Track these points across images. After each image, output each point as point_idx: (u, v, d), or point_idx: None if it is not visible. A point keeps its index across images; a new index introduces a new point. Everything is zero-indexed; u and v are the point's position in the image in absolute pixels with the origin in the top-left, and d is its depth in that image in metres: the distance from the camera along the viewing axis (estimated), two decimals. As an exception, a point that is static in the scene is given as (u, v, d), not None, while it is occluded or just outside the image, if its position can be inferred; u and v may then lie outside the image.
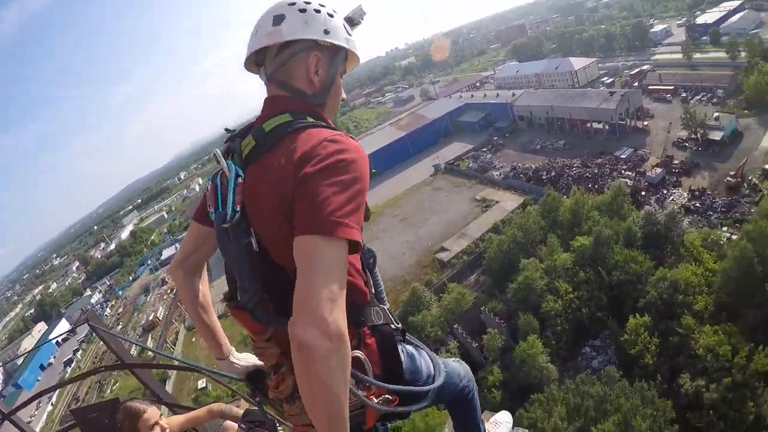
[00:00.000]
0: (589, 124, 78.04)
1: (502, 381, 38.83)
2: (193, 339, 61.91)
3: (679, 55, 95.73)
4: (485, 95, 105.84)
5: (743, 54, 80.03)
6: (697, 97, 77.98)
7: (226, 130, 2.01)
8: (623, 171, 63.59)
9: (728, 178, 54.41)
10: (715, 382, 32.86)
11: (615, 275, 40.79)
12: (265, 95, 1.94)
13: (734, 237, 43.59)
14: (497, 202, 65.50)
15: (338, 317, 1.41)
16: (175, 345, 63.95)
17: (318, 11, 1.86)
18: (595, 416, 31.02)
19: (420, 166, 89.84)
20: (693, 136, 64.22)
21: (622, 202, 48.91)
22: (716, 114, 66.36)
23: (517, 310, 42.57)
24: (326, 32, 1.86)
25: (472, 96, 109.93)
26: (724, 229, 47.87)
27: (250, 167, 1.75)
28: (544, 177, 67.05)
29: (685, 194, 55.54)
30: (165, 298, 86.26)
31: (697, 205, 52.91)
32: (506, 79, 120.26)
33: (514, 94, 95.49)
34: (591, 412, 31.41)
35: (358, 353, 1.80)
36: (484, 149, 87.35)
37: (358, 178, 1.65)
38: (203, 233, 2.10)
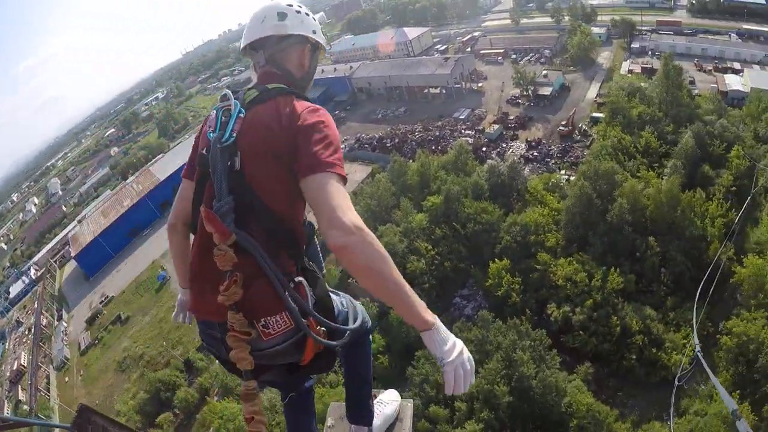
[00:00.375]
0: (426, 90, 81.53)
1: (385, 345, 39.71)
2: (66, 379, 55.32)
3: (508, 21, 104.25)
4: (323, 70, 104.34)
5: (567, 18, 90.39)
6: (526, 58, 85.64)
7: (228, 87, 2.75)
8: (463, 131, 67.45)
9: (560, 128, 60.98)
10: (579, 306, 36.96)
11: (470, 227, 43.29)
12: (258, 72, 2.52)
13: (572, 178, 48.93)
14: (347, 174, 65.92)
15: (356, 217, 1.97)
16: (49, 391, 55.91)
17: (308, 14, 2.53)
18: (479, 359, 32.95)
19: None
20: (525, 93, 70.54)
21: (466, 159, 51.92)
22: (545, 72, 74.78)
23: (385, 277, 43.48)
24: (314, 32, 2.55)
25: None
26: (562, 172, 53.67)
27: (249, 110, 2.17)
28: (388, 144, 68.41)
29: (523, 146, 60.78)
30: (25, 341, 74.49)
31: (535, 154, 58.36)
32: (343, 53, 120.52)
33: (351, 67, 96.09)
34: (474, 356, 33.11)
35: (301, 278, 2.20)
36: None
37: (336, 136, 2.19)
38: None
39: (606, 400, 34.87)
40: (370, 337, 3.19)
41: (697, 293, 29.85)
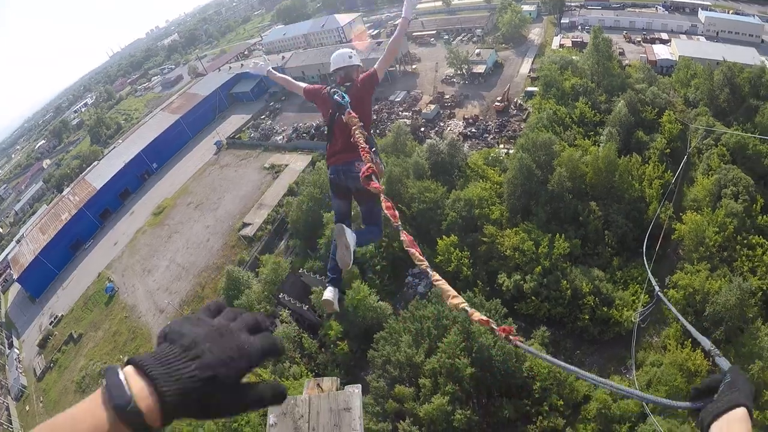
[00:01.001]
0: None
1: (343, 331, 38.94)
2: (27, 408, 51.51)
3: (439, 3, 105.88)
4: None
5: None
6: (459, 38, 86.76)
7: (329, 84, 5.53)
8: (401, 112, 67.55)
9: (496, 103, 61.94)
10: (529, 274, 37.40)
11: (414, 206, 42.94)
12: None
13: (511, 151, 49.44)
14: (286, 165, 64.47)
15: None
16: (11, 423, 51.37)
17: (355, 55, 5.73)
18: (437, 334, 32.87)
19: (202, 146, 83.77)
20: (459, 72, 71.03)
21: (405, 140, 51.47)
22: (477, 51, 75.39)
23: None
24: (360, 62, 5.73)
25: (242, 66, 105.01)
26: (501, 146, 54.46)
27: (348, 91, 5.17)
28: (326, 132, 67.03)
29: (461, 123, 61.51)
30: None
31: (473, 130, 59.19)
32: (274, 43, 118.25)
33: (284, 57, 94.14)
34: (433, 331, 33.05)
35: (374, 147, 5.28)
36: (263, 116, 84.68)
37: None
38: (318, 100, 5.59)
39: (565, 360, 34.82)
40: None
41: (644, 244, 30.30)
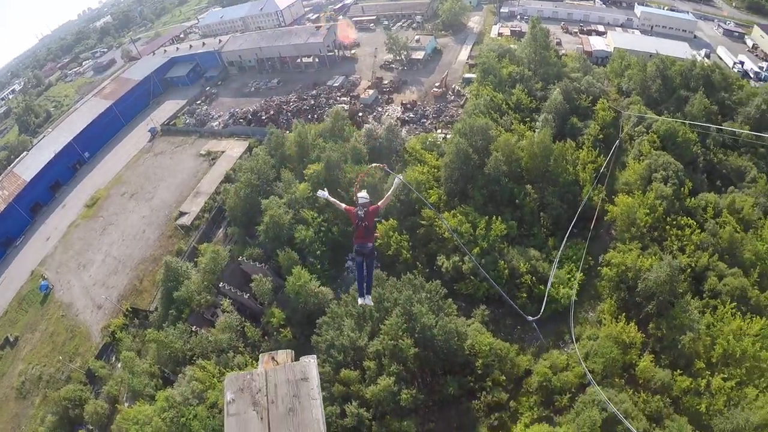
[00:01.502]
0: (299, 60, 79.61)
1: (286, 318, 38.47)
2: None
3: None
4: (191, 46, 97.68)
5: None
6: (399, 24, 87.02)
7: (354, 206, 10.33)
8: (339, 97, 66.83)
9: (434, 89, 62.73)
10: (467, 255, 37.55)
11: (352, 191, 42.38)
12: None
13: (448, 136, 49.84)
14: (223, 151, 62.45)
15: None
16: None
17: (368, 197, 10.84)
18: (379, 316, 33.08)
19: (135, 133, 79.49)
20: (398, 57, 71.32)
21: (343, 125, 51.07)
22: (417, 37, 75.85)
23: (274, 249, 41.75)
24: (370, 200, 10.81)
25: (177, 49, 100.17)
26: (438, 131, 55.04)
27: (364, 209, 10.12)
28: (263, 117, 66.08)
29: (399, 108, 61.78)
30: None
31: (411, 115, 59.57)
32: (211, 26, 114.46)
33: (220, 41, 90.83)
34: (375, 314, 33.12)
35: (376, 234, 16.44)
36: (199, 102, 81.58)
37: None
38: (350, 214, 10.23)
39: (505, 337, 36.83)
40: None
41: (571, 225, 31.39)
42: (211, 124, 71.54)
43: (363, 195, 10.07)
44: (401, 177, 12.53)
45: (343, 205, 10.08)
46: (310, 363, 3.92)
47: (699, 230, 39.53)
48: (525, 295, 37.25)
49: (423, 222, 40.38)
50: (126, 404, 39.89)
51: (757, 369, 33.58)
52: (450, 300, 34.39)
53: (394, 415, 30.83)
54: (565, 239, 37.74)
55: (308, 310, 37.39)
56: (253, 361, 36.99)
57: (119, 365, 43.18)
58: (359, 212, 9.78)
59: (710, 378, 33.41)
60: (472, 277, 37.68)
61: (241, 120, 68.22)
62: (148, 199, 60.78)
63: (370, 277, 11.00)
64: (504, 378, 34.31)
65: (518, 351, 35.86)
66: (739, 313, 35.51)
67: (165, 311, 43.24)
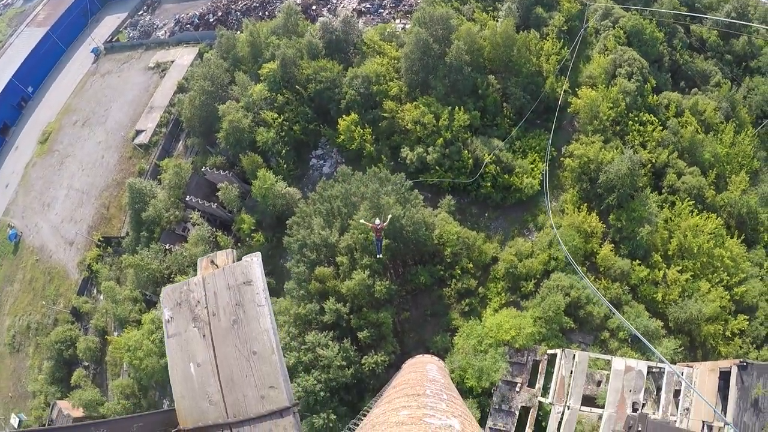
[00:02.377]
0: (244, -44, 73.47)
1: (256, 222, 38.60)
2: None
3: None
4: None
5: None
6: None
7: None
8: None
9: None
10: (431, 146, 37.72)
11: (311, 87, 41.19)
12: None
13: (407, 26, 47.71)
14: (173, 61, 58.99)
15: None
16: None
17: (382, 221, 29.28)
18: (348, 211, 33.06)
19: (78, 57, 73.26)
20: None
21: (296, 20, 48.03)
22: None
23: (236, 155, 40.95)
24: (384, 223, 29.47)
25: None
26: (397, 21, 52.56)
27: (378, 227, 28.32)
28: (212, 20, 61.88)
29: None
30: None
31: (368, 6, 56.29)
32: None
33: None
34: (343, 209, 33.17)
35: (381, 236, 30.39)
36: (141, 12, 75.30)
37: None
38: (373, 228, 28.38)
39: (472, 226, 37.81)
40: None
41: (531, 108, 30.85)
42: (156, 34, 66.80)
43: (377, 221, 27.94)
44: (392, 213, 29.99)
45: (370, 224, 27.63)
46: (253, 262, 3.41)
47: (661, 128, 40.04)
48: (489, 184, 37.75)
49: (385, 114, 39.64)
50: (115, 333, 40.79)
51: (710, 265, 35.77)
52: (416, 191, 34.58)
53: (370, 307, 31.97)
54: (520, 124, 37.68)
55: (277, 212, 37.36)
56: (230, 271, 37.37)
57: (101, 297, 43.54)
58: (377, 227, 27.70)
59: (666, 270, 35.54)
60: (437, 168, 37.79)
61: (189, 25, 63.88)
62: (101, 123, 58.03)
63: (380, 245, 29.55)
64: (472, 266, 35.64)
65: (485, 239, 37.04)
66: (695, 210, 37.16)
67: (136, 234, 42.74)
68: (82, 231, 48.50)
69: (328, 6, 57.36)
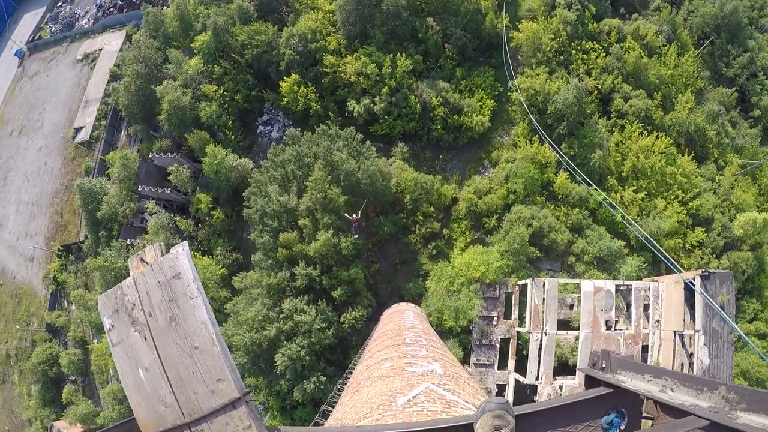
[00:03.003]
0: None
1: (213, 200, 38.17)
2: None
3: None
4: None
5: None
6: None
7: None
8: None
9: None
10: (377, 96, 37.35)
11: (248, 53, 39.93)
12: None
13: (342, -23, 46.49)
14: (101, 49, 56.41)
15: None
16: None
17: None
18: (303, 173, 32.60)
19: (1, 63, 69.75)
20: None
21: (224, -15, 46.33)
22: None
23: (182, 135, 39.85)
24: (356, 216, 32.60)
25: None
26: None
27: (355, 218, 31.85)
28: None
29: None
30: None
31: None
32: None
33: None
34: (297, 172, 32.68)
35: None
36: (60, 3, 71.29)
37: None
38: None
39: (428, 170, 38.03)
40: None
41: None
42: (80, 23, 63.41)
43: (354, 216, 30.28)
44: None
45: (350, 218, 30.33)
46: (179, 253, 3.18)
47: (604, 54, 40.53)
48: (440, 126, 37.78)
49: (327, 70, 38.92)
50: (95, 341, 40.37)
51: (664, 183, 37.16)
52: (368, 143, 34.31)
53: (339, 265, 31.94)
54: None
55: (232, 185, 36.80)
56: (197, 254, 36.84)
57: (73, 307, 42.56)
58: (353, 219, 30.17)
59: (622, 191, 36.72)
60: (386, 117, 37.59)
61: (112, 9, 60.65)
62: (38, 129, 55.60)
63: (357, 229, 31.62)
64: (433, 209, 36.09)
65: (442, 181, 37.39)
66: (645, 132, 38.22)
67: (95, 236, 41.80)
68: (40, 244, 47.06)
69: (256, -34, 55.28)
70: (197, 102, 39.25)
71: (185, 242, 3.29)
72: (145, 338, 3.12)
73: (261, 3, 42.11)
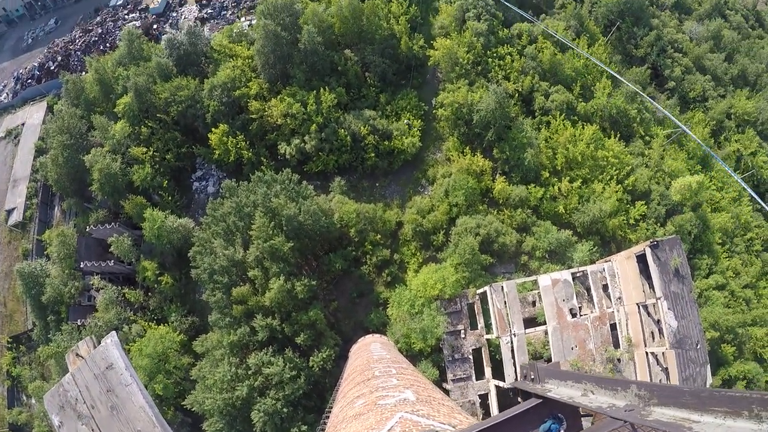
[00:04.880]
0: (69, -13, 68.11)
1: (159, 265, 37.32)
2: None
3: None
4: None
5: None
6: None
7: None
8: (127, 16, 59.50)
9: None
10: (306, 134, 37.59)
11: (173, 109, 39.60)
12: None
13: (254, 22, 46.78)
14: (23, 124, 54.53)
15: None
16: None
17: None
18: (245, 223, 32.24)
19: None
20: None
21: (140, 45, 45.59)
22: None
23: (117, 203, 39.06)
24: None
25: None
26: (242, 19, 51.48)
27: None
28: (53, 68, 57.80)
29: (194, 7, 56.44)
30: None
31: (209, 11, 54.93)
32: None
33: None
34: (239, 223, 32.36)
35: None
36: (-26, 80, 68.66)
37: None
38: None
39: (368, 199, 38.45)
40: None
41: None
42: (-1, 99, 61.11)
43: None
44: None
45: None
46: (108, 345, 3.14)
47: (519, 57, 42.06)
48: (373, 154, 38.28)
49: (253, 116, 38.95)
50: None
51: (597, 167, 38.90)
52: (305, 182, 34.44)
53: (297, 310, 31.69)
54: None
55: (176, 248, 36.23)
56: (152, 324, 35.96)
57: (33, 401, 40.37)
58: None
59: (559, 183, 38.07)
60: (319, 154, 37.88)
61: (30, 80, 59.05)
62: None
63: None
64: (380, 237, 36.37)
65: (384, 208, 37.83)
66: (569, 123, 39.87)
67: (43, 322, 40.12)
68: (-14, 339, 44.38)
69: (170, 21, 55.17)
70: (128, 167, 38.48)
71: (113, 332, 3.40)
72: (92, 430, 3.21)
73: (179, 57, 41.73)
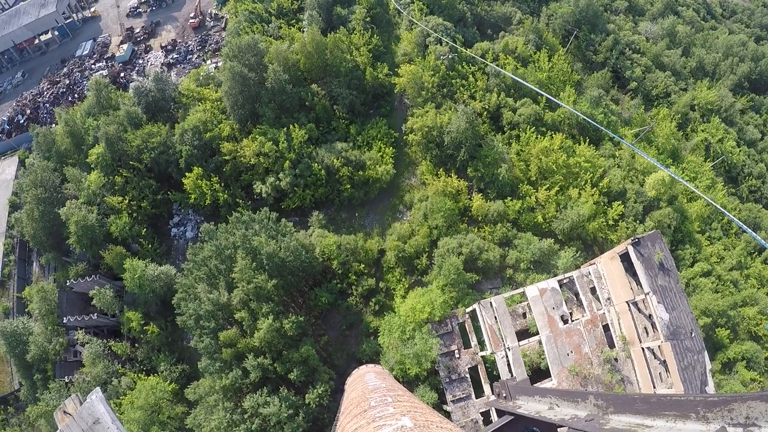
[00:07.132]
0: (37, 40, 67.79)
1: (143, 315, 36.71)
2: None
3: None
4: None
5: None
6: None
7: None
8: (94, 65, 59.51)
9: (191, 21, 58.04)
10: (280, 171, 37.85)
11: (146, 156, 39.55)
12: None
13: (220, 64, 47.17)
14: (-9, 183, 53.67)
15: None
16: None
17: None
18: (227, 266, 32.39)
19: None
20: (143, 0, 64.11)
21: (108, 93, 45.57)
22: None
23: (96, 254, 38.72)
24: None
25: None
26: (208, 62, 51.78)
27: None
28: (22, 121, 57.26)
29: (160, 53, 56.78)
30: None
31: (175, 56, 55.25)
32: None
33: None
34: (221, 266, 32.46)
35: None
36: (-62, 140, 67.62)
37: None
38: None
39: (348, 230, 38.58)
40: None
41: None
42: (-36, 160, 60.14)
43: None
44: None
45: None
46: (93, 401, 3.23)
47: (483, 75, 43.00)
48: (348, 186, 38.57)
49: (226, 157, 39.12)
50: None
51: (570, 174, 39.67)
52: (283, 220, 34.58)
53: (288, 348, 31.50)
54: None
55: (159, 296, 35.83)
56: (141, 375, 35.40)
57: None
58: None
59: (536, 194, 38.64)
60: (295, 189, 38.10)
61: (0, 135, 58.41)
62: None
63: None
64: (364, 267, 36.48)
65: (365, 237, 38.01)
66: (539, 134, 40.71)
67: (30, 381, 39.23)
68: (-28, 400, 43.05)
69: (136, 68, 55.36)
70: (105, 217, 38.25)
71: (98, 388, 3.47)
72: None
73: (148, 104, 41.82)
